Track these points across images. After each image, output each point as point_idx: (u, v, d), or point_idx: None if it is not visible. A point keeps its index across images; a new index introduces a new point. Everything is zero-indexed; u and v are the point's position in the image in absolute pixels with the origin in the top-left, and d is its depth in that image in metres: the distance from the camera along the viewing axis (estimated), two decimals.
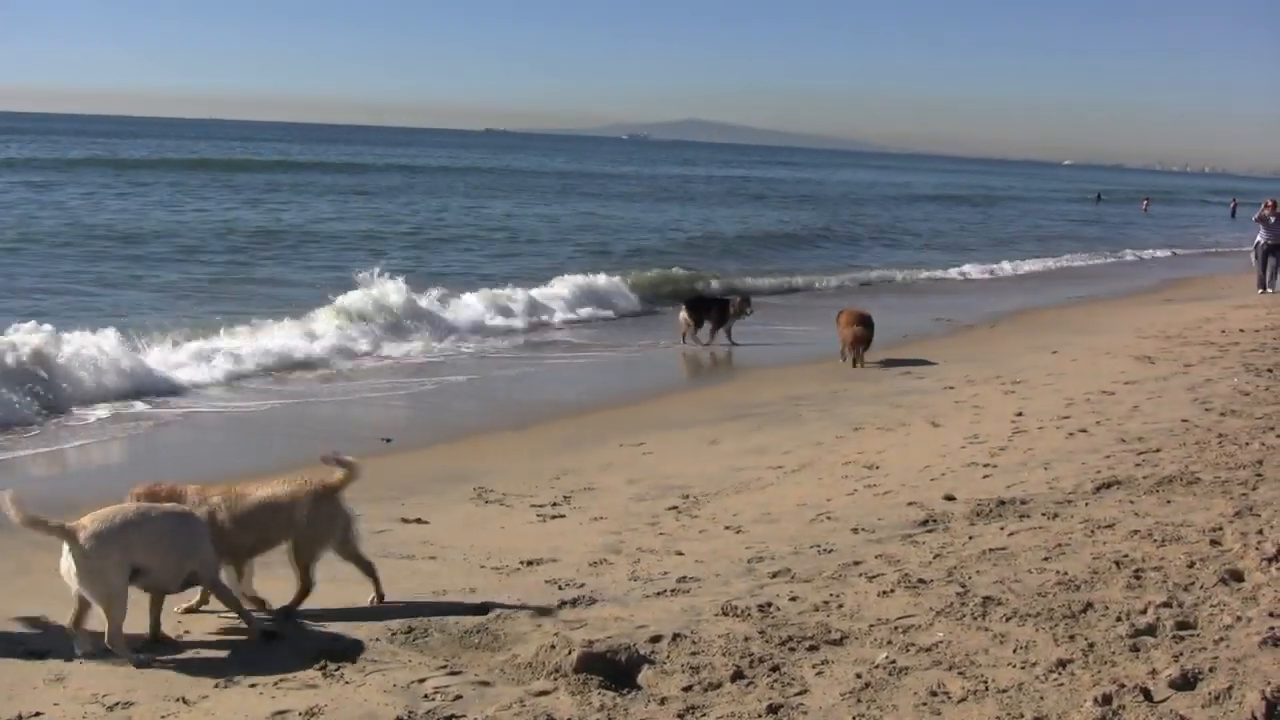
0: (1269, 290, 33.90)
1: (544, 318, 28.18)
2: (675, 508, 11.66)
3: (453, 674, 7.14)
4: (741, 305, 25.57)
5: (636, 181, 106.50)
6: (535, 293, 29.46)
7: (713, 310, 25.50)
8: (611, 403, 18.52)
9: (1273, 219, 34.69)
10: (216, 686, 7.09)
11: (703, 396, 19.14)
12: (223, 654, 7.71)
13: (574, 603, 8.53)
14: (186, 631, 8.07)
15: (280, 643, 7.87)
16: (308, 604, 8.56)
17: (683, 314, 25.45)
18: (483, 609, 8.43)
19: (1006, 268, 45.71)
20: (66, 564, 7.51)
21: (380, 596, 8.67)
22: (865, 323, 22.58)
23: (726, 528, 10.82)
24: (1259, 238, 35.15)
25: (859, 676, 6.67)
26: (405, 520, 11.24)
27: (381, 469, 13.14)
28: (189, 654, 7.71)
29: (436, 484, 12.92)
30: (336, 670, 7.27)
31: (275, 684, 7.10)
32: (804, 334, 26.45)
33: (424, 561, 9.88)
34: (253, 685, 7.09)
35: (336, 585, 9.10)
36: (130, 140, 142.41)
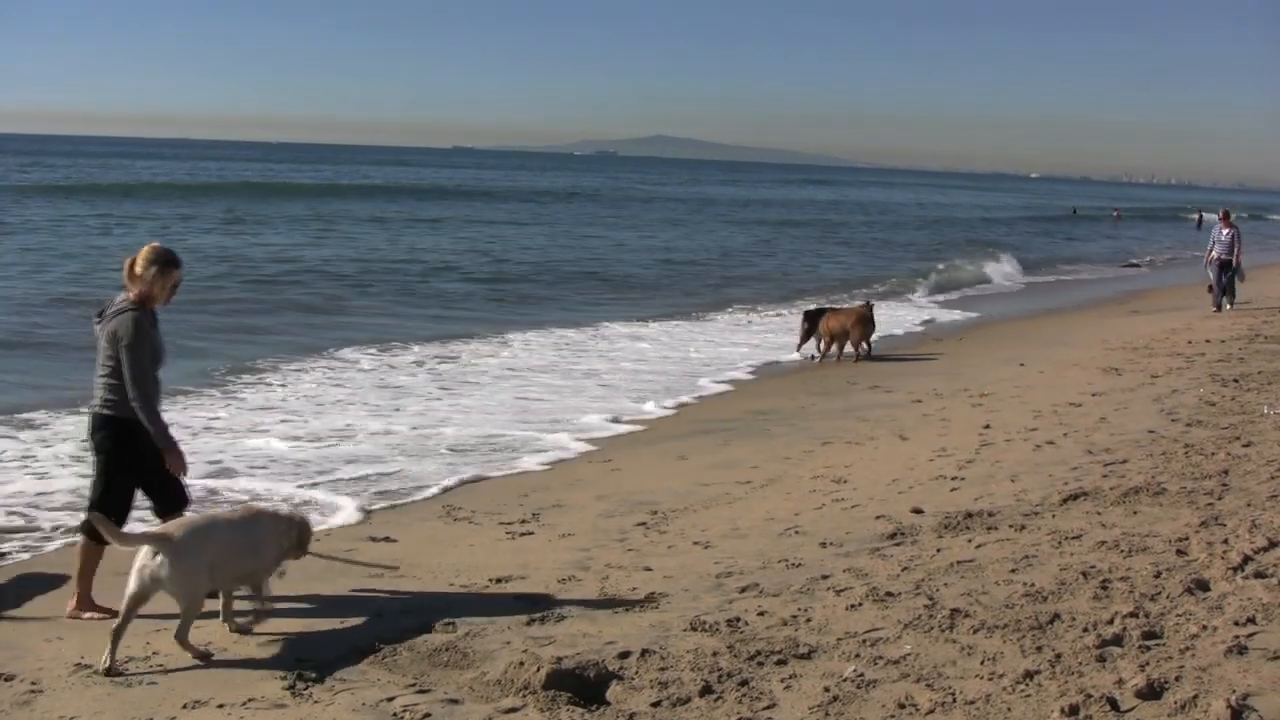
0: (1227, 308, 32.21)
1: None
2: (644, 524, 11.66)
3: (421, 692, 7.13)
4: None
5: (725, 205, 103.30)
6: None
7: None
8: None
9: (1225, 232, 32.94)
10: (185, 707, 7.08)
11: (670, 411, 19.09)
12: (191, 675, 7.68)
13: (542, 619, 8.53)
14: (155, 652, 8.04)
15: (249, 663, 7.86)
16: (275, 623, 8.59)
17: (802, 324, 25.28)
18: (451, 627, 8.43)
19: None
20: (147, 566, 7.92)
21: None
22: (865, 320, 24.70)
23: (695, 543, 10.82)
24: (1214, 252, 32.97)
25: (827, 690, 6.70)
26: (374, 539, 11.23)
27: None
28: (157, 675, 7.67)
29: (405, 502, 12.93)
30: (305, 690, 7.26)
31: (244, 704, 7.09)
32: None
33: (392, 580, 9.86)
34: (221, 706, 7.07)
35: (305, 605, 9.11)
36: (133, 163, 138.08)
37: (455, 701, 6.97)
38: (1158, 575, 8.34)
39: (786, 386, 21.50)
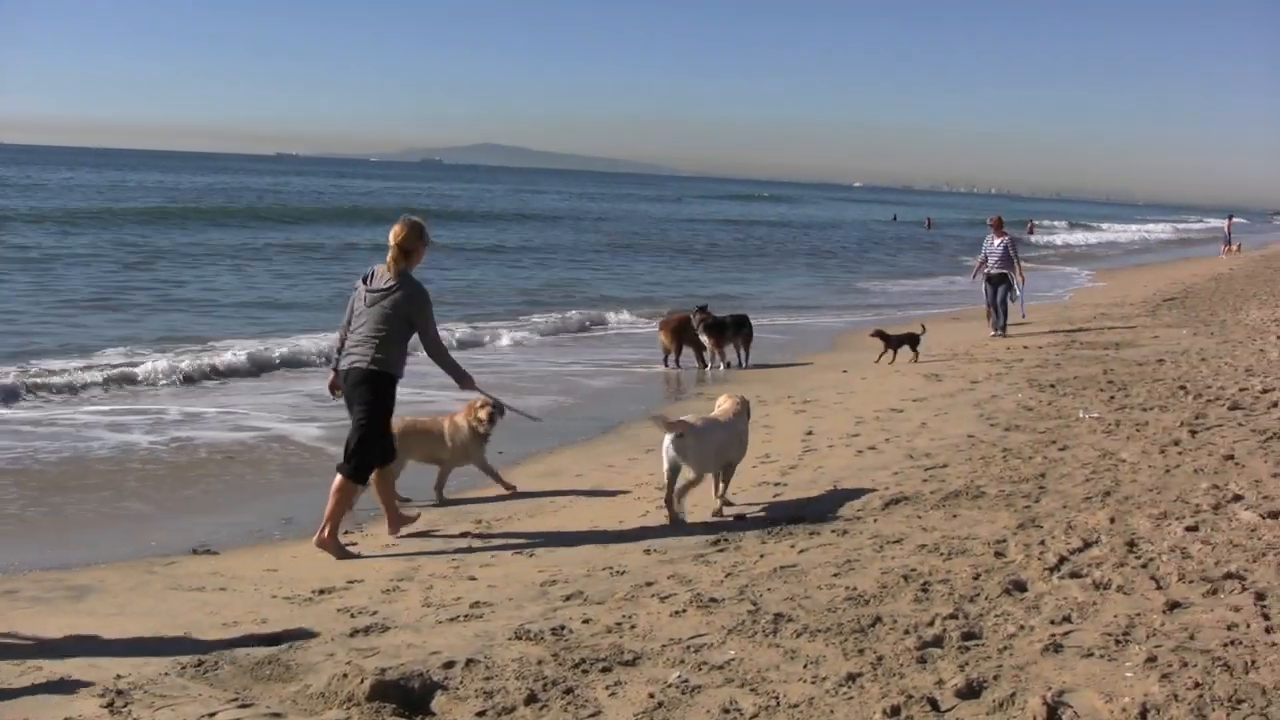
0: (1002, 333, 28.29)
1: None
2: (468, 533, 11.59)
3: (244, 706, 7.00)
4: (701, 319, 24.04)
5: (650, 222, 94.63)
6: None
7: (724, 330, 24.15)
8: None
9: (997, 242, 28.91)
10: None
11: None
12: (9, 692, 7.45)
13: (366, 631, 8.44)
14: None
15: (65, 681, 7.63)
16: (93, 639, 8.40)
17: (702, 336, 24.10)
18: (274, 640, 8.31)
19: None
20: (669, 448, 11.46)
21: None
22: (681, 329, 24.28)
23: (519, 552, 10.78)
24: (989, 266, 28.90)
25: (652, 696, 6.71)
26: (195, 551, 11.01)
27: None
28: None
29: (227, 512, 12.68)
30: (124, 707, 7.06)
31: None
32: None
33: (213, 593, 9.68)
34: None
35: (124, 619, 8.91)
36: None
37: (278, 715, 6.86)
38: (976, 577, 8.51)
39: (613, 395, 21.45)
